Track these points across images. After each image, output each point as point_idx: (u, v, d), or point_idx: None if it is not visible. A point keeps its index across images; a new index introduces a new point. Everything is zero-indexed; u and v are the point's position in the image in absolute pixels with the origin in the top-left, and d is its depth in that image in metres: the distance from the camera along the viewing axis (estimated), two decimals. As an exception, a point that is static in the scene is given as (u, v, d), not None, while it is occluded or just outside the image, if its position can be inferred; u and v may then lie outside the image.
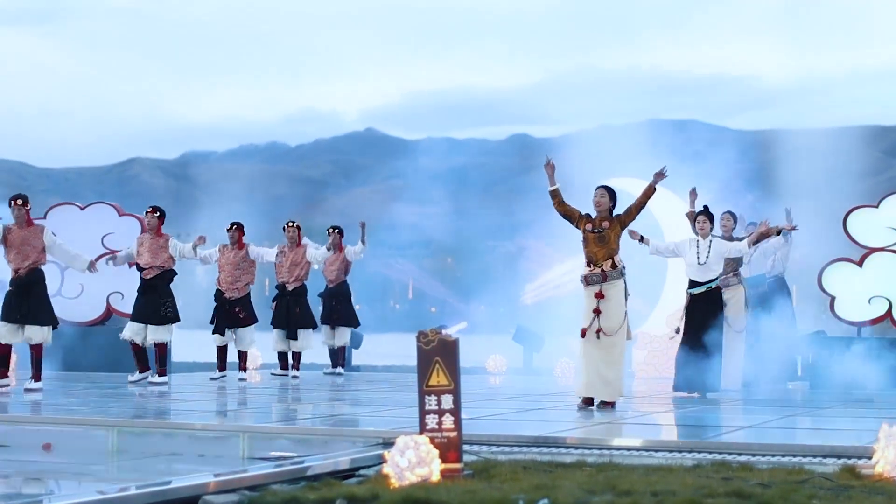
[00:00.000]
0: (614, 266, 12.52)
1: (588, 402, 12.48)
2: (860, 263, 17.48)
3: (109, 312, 19.52)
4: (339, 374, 18.95)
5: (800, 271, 18.91)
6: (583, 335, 12.44)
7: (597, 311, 12.41)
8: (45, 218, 20.16)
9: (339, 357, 19.21)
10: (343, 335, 19.11)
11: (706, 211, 14.91)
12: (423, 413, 7.82)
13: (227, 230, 17.24)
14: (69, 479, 9.13)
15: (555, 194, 12.66)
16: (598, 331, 12.38)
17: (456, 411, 7.78)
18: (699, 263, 14.56)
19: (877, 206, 17.64)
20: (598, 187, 12.82)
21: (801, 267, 18.77)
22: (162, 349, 16.05)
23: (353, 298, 19.37)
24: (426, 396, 7.83)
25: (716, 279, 14.67)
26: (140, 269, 16.13)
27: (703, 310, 14.57)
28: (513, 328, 22.60)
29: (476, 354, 19.38)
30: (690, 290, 14.70)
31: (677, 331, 15.08)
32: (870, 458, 7.75)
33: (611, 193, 12.74)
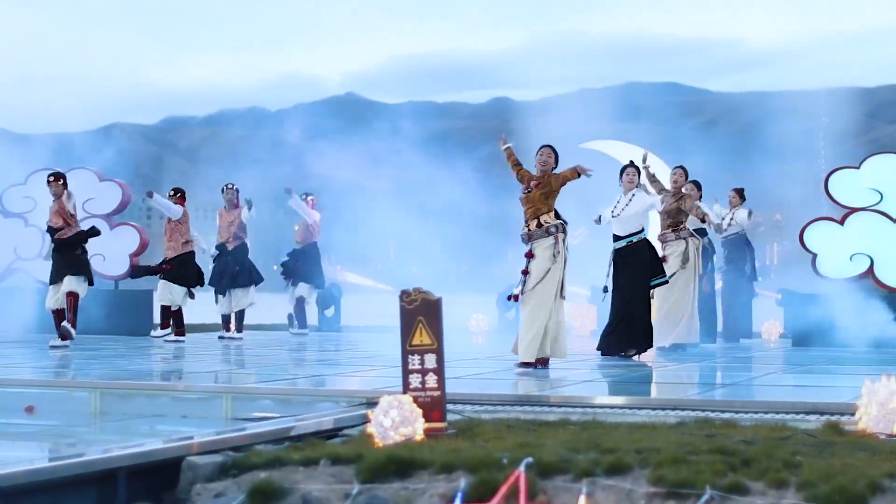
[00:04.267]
0: (539, 225, 12.37)
1: (542, 362, 12.32)
2: (842, 222, 17.49)
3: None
4: (235, 338, 18.17)
5: (780, 230, 18.98)
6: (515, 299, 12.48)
7: (525, 272, 12.35)
8: (25, 184, 20.11)
9: (238, 320, 18.50)
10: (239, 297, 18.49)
11: (632, 164, 14.56)
12: (406, 372, 7.80)
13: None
14: (52, 442, 9.10)
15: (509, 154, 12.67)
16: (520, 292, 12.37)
17: (439, 370, 7.76)
18: (613, 216, 14.13)
19: (858, 168, 17.63)
20: (544, 146, 12.66)
21: (781, 225, 18.84)
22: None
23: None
24: (409, 356, 7.81)
25: (638, 233, 14.15)
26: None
27: (627, 265, 14.07)
28: (493, 289, 22.58)
29: (458, 315, 19.39)
30: (614, 244, 14.20)
31: (605, 290, 14.23)
32: (852, 414, 7.78)
33: (556, 154, 12.61)
